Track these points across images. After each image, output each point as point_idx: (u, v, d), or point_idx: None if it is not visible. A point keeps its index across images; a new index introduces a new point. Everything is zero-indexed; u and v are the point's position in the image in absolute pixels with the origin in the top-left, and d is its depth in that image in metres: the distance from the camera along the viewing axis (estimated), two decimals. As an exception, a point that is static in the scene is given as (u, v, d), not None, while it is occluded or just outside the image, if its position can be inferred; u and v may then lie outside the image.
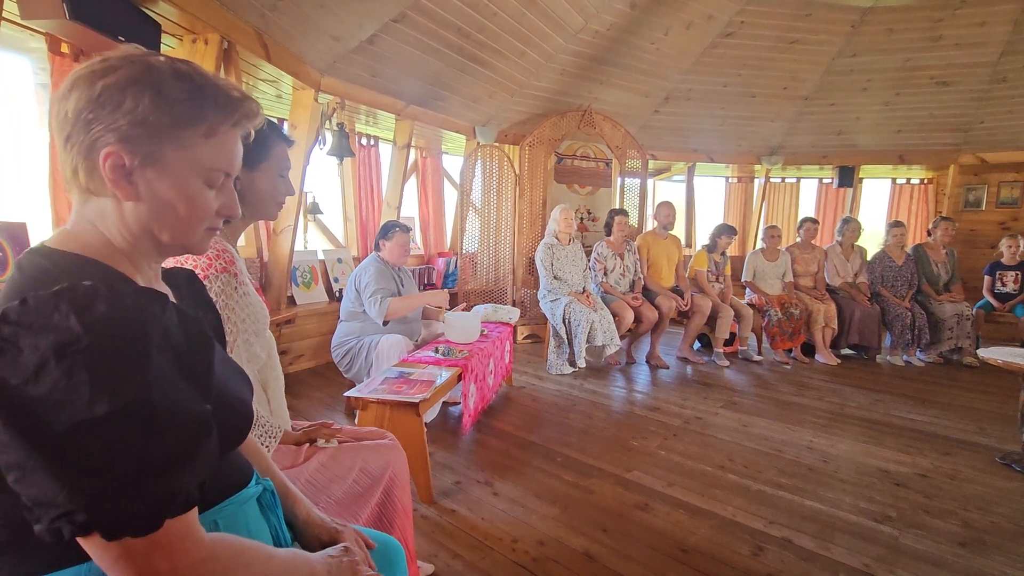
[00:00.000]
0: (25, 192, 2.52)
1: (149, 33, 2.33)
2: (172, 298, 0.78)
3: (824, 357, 4.46)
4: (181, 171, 0.67)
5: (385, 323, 2.92)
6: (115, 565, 0.55)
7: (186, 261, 1.11)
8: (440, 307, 3.23)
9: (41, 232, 2.43)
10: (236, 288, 1.17)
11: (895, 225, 4.72)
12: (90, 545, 0.55)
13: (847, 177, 6.11)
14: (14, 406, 0.51)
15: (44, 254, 0.64)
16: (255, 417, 1.20)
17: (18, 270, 0.62)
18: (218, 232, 0.79)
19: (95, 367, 0.52)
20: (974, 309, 4.52)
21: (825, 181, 6.61)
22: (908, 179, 6.42)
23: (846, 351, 4.70)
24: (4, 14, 2.00)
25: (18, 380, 0.51)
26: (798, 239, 4.85)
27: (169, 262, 0.98)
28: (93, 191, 0.66)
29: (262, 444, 1.20)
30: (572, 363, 3.97)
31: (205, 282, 1.11)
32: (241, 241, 3.64)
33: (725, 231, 4.60)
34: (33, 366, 0.51)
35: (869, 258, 4.79)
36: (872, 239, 5.40)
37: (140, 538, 0.54)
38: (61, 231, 0.68)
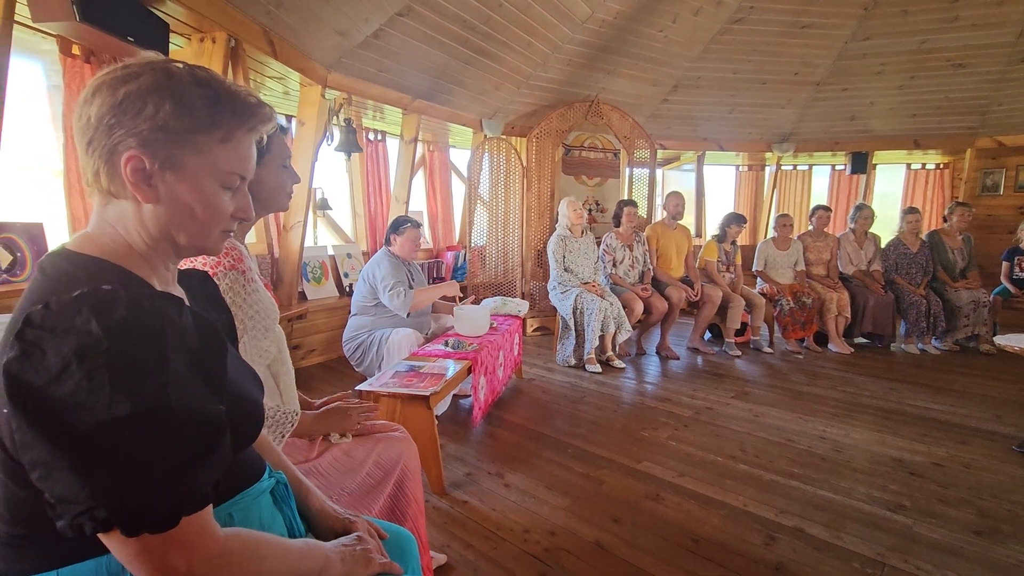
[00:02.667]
0: (41, 193, 2.57)
1: (157, 33, 2.35)
2: (186, 300, 0.80)
3: (837, 346, 4.42)
4: (199, 175, 0.69)
5: (408, 315, 2.97)
6: (134, 560, 0.57)
7: (195, 259, 1.13)
8: (454, 296, 3.26)
9: (57, 232, 2.48)
10: (244, 285, 1.19)
11: (910, 212, 4.65)
12: (110, 541, 0.57)
13: (860, 163, 6.01)
14: (39, 406, 0.53)
15: (65, 257, 0.66)
16: (266, 413, 1.22)
17: (41, 272, 0.64)
18: (232, 233, 0.81)
19: (115, 369, 0.54)
20: (991, 296, 4.44)
21: (838, 168, 6.51)
22: (923, 164, 6.30)
23: (860, 340, 4.65)
24: (15, 17, 2.03)
25: (42, 382, 0.53)
26: (810, 227, 4.80)
27: (182, 263, 1.00)
28: (114, 194, 0.68)
29: (279, 434, 1.22)
30: (580, 358, 3.94)
31: (213, 279, 1.13)
32: (251, 238, 3.69)
33: (734, 220, 4.56)
34: (56, 368, 0.53)
35: (883, 245, 4.73)
36: (886, 225, 5.32)
37: (158, 535, 0.56)
38: (81, 234, 0.70)
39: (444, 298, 3.35)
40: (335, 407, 1.43)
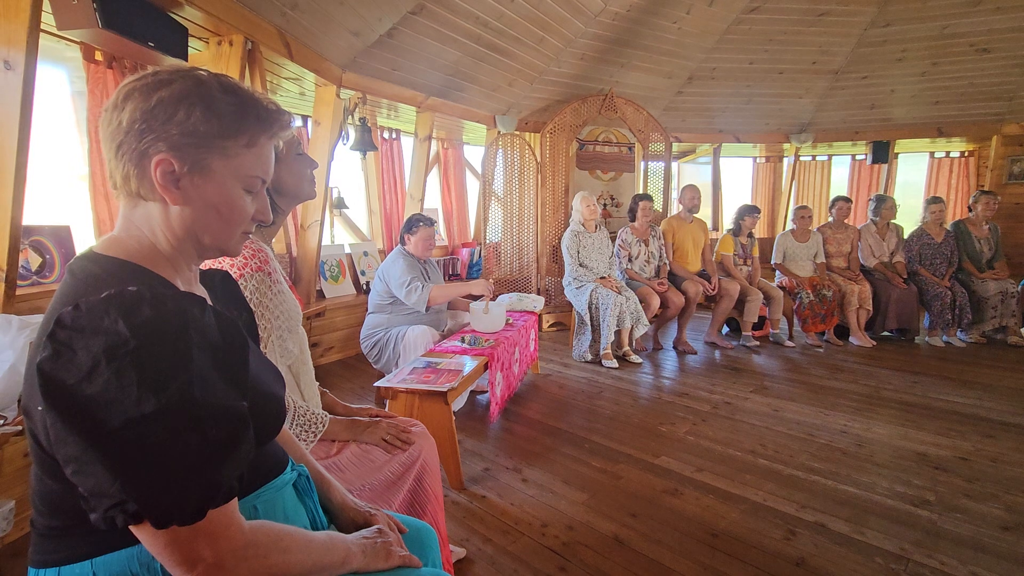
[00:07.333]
0: (67, 196, 2.64)
1: (177, 37, 2.39)
2: (209, 299, 0.82)
3: (859, 339, 4.35)
4: (225, 178, 0.72)
5: (426, 310, 2.98)
6: (164, 551, 0.59)
7: (223, 261, 1.15)
8: (483, 296, 3.12)
9: (84, 234, 2.54)
10: (271, 287, 1.21)
11: (933, 201, 4.55)
12: (141, 532, 0.59)
13: (882, 153, 5.88)
14: (71, 404, 0.55)
15: (92, 259, 0.68)
16: (294, 411, 1.24)
17: (70, 275, 0.67)
18: (251, 235, 0.83)
19: (142, 367, 0.56)
20: (1019, 286, 4.33)
21: (858, 158, 6.38)
22: (947, 152, 6.14)
23: (885, 333, 4.56)
24: (41, 25, 2.08)
25: (74, 380, 0.55)
26: (830, 219, 4.72)
27: (205, 263, 1.03)
28: (142, 196, 0.70)
29: (311, 434, 1.24)
30: (596, 353, 3.93)
31: (240, 281, 1.15)
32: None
33: (747, 212, 4.51)
34: (87, 367, 0.55)
35: (906, 236, 4.63)
36: (909, 215, 5.21)
37: (186, 527, 0.58)
38: (108, 237, 0.72)
39: (471, 296, 3.32)
40: (372, 423, 1.42)
